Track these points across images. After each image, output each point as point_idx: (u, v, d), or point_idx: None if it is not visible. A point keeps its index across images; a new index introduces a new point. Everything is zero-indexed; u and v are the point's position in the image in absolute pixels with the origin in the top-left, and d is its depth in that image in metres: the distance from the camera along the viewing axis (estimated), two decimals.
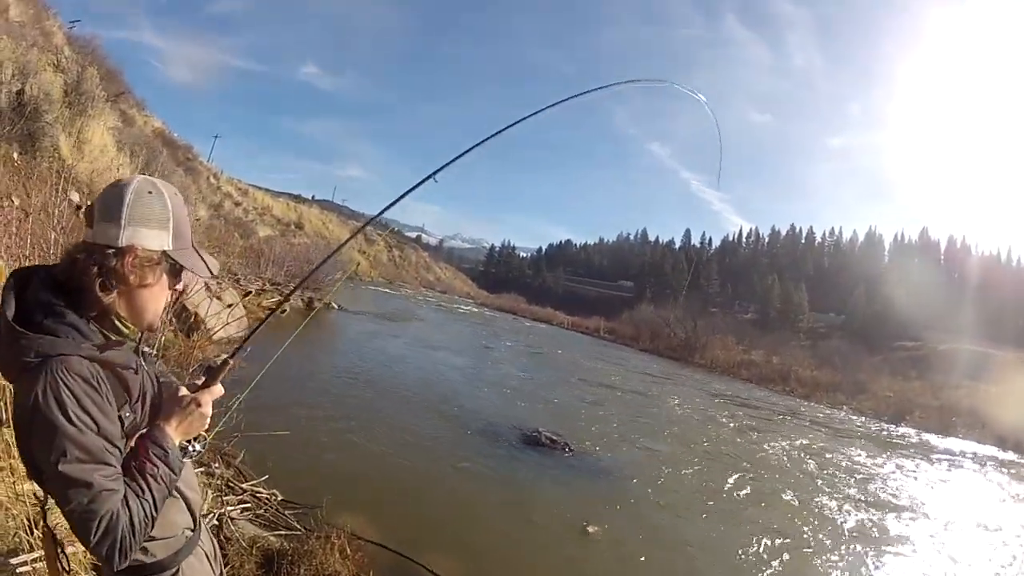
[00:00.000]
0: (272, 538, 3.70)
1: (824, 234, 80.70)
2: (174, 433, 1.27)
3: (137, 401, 1.24)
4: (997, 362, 37.08)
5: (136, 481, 1.15)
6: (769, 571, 5.48)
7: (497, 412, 9.79)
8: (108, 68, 20.21)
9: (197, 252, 1.31)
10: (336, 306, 18.92)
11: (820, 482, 9.27)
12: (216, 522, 3.48)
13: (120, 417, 1.16)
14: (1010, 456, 16.49)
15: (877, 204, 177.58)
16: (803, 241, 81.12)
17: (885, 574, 6.05)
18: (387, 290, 40.02)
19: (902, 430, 19.06)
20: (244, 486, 4.32)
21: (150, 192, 1.19)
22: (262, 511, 4.09)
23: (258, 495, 4.27)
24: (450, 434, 7.97)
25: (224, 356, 1.45)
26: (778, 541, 6.24)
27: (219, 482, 4.13)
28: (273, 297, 14.43)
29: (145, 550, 1.28)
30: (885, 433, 17.78)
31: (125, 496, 1.11)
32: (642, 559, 5.19)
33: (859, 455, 12.49)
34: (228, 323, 8.28)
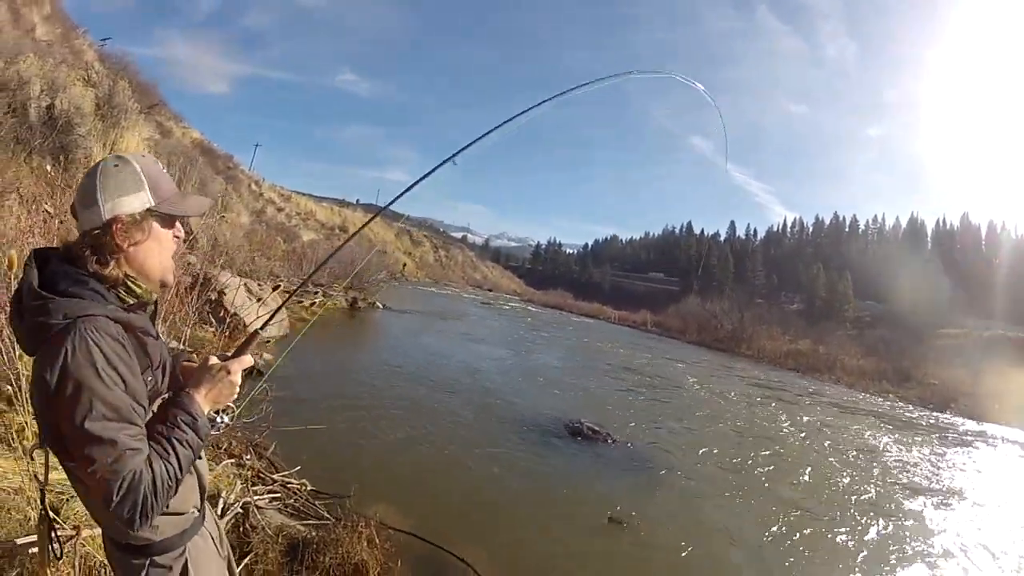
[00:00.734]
0: (300, 527, 3.63)
1: (867, 222, 78.21)
2: (203, 401, 1.28)
3: (158, 367, 1.28)
4: None
5: (161, 444, 1.15)
6: (804, 562, 5.16)
7: (538, 403, 9.61)
8: (141, 82, 20.43)
9: (183, 197, 1.32)
10: (381, 306, 19.15)
11: (865, 473, 8.74)
12: (241, 510, 3.44)
13: (143, 379, 1.18)
14: None
15: (918, 191, 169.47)
16: (847, 230, 78.53)
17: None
18: (433, 289, 40.33)
19: (949, 418, 18.55)
20: (275, 476, 4.30)
21: (116, 165, 1.22)
22: (291, 501, 4.03)
23: (288, 485, 4.23)
24: (489, 425, 7.83)
25: (254, 329, 1.51)
26: (813, 529, 5.95)
27: (249, 472, 4.12)
28: (318, 298, 14.75)
29: (155, 527, 1.26)
30: (933, 421, 17.14)
31: (149, 457, 1.11)
32: (680, 549, 4.92)
33: (907, 443, 11.88)
34: (269, 322, 8.40)
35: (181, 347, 5.70)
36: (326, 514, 3.97)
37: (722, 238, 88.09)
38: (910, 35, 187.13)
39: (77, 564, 2.19)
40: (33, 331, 1.12)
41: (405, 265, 46.36)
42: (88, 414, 1.05)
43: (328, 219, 47.85)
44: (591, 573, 4.36)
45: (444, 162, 1.86)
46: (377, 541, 3.55)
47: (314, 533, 3.56)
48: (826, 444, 10.44)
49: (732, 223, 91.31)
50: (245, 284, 10.05)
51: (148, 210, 1.23)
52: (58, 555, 1.40)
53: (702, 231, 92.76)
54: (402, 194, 1.96)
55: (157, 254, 1.27)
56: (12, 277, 2.44)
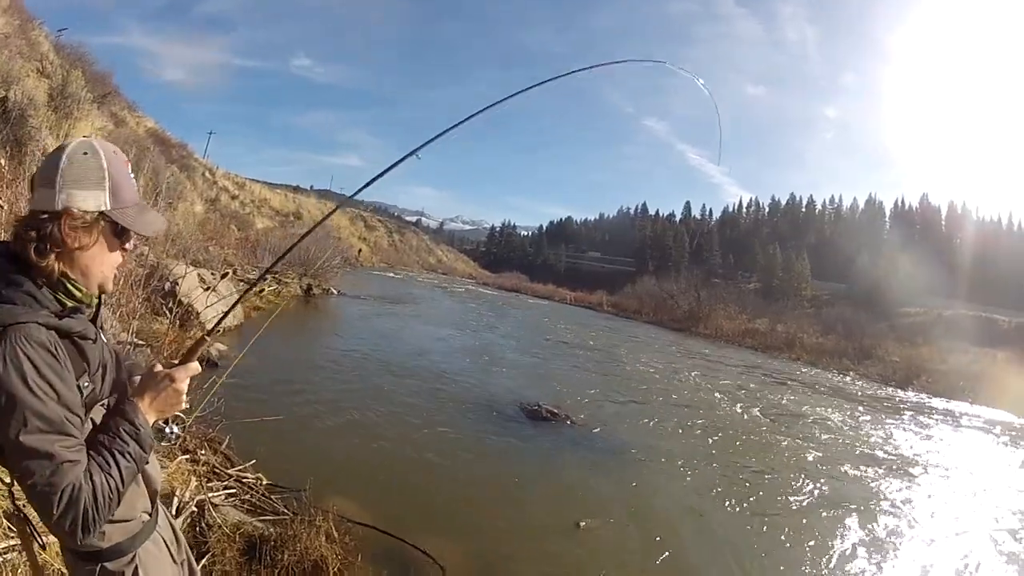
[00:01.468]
0: (257, 523, 3.58)
1: (824, 202, 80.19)
2: (147, 410, 1.24)
3: (96, 371, 1.23)
4: (1001, 327, 37.04)
5: (102, 455, 1.12)
6: (775, 551, 5.39)
7: (495, 386, 9.68)
8: (96, 71, 20.41)
9: (141, 211, 1.26)
10: (336, 292, 19.04)
11: (833, 451, 9.09)
12: (196, 508, 3.37)
13: (79, 387, 1.14)
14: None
15: (876, 172, 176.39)
16: (803, 210, 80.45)
17: (899, 544, 5.93)
18: (388, 274, 40.17)
19: (911, 395, 19.00)
20: (230, 472, 4.22)
21: (85, 153, 1.18)
22: (248, 496, 3.97)
23: (244, 480, 4.16)
24: (445, 410, 7.82)
25: (201, 333, 1.45)
26: (780, 514, 6.16)
27: (204, 468, 4.03)
28: (271, 286, 14.44)
29: (102, 533, 1.24)
30: (897, 398, 17.71)
31: (89, 469, 1.08)
32: (642, 535, 5.08)
33: (870, 419, 12.39)
34: (220, 323, 8.18)
35: (131, 340, 5.50)
36: (284, 509, 3.92)
37: (678, 219, 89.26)
38: (870, 17, 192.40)
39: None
40: None
41: (361, 251, 45.76)
42: (22, 428, 1.03)
43: (283, 206, 47.10)
44: (552, 556, 4.44)
45: (407, 156, 1.82)
46: (336, 535, 3.55)
47: (272, 529, 3.52)
48: (786, 421, 10.83)
49: (687, 204, 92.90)
50: (199, 274, 9.77)
51: (102, 213, 1.18)
52: (43, 545, 1.39)
53: (657, 212, 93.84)
54: (364, 187, 1.92)
55: (100, 263, 1.22)
56: None
